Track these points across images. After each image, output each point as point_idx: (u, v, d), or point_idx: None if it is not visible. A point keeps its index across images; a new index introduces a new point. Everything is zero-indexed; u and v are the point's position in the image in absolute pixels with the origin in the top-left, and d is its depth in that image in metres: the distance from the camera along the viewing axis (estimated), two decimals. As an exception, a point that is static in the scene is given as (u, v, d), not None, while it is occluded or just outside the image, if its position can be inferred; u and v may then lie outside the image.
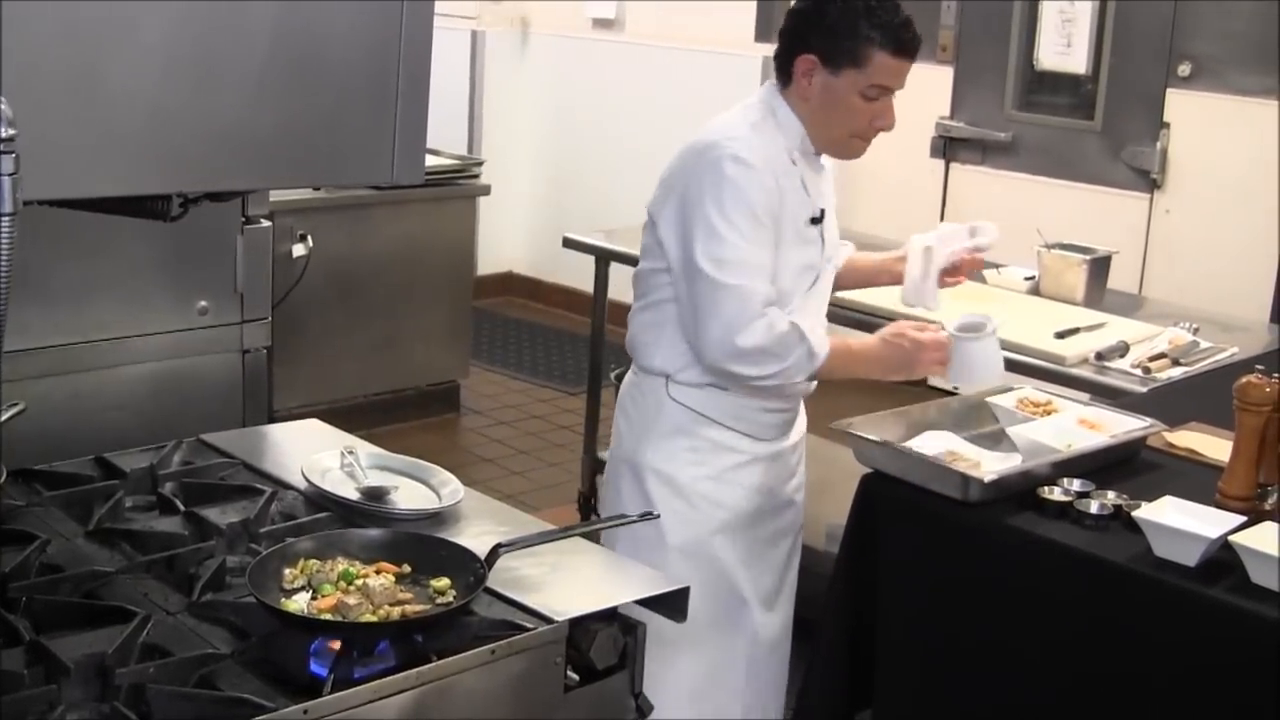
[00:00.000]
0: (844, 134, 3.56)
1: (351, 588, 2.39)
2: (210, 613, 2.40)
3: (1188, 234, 7.05)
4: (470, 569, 2.47)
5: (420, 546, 2.57)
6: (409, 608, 2.37)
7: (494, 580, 2.48)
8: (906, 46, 3.50)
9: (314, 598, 2.37)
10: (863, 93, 3.48)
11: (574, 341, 8.74)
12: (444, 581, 2.47)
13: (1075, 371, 4.47)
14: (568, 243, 6.23)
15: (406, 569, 2.50)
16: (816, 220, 3.59)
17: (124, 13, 2.14)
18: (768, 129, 3.53)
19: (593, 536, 2.83)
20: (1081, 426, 3.61)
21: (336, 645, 2.26)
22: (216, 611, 2.40)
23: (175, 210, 2.51)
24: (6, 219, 1.82)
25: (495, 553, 2.52)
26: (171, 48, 2.20)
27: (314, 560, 2.48)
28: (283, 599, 2.37)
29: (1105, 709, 3.05)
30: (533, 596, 2.48)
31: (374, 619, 2.32)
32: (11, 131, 1.82)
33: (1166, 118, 7.11)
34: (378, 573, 2.47)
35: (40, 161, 1.91)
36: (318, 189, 6.17)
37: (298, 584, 2.43)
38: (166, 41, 2.19)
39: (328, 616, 2.31)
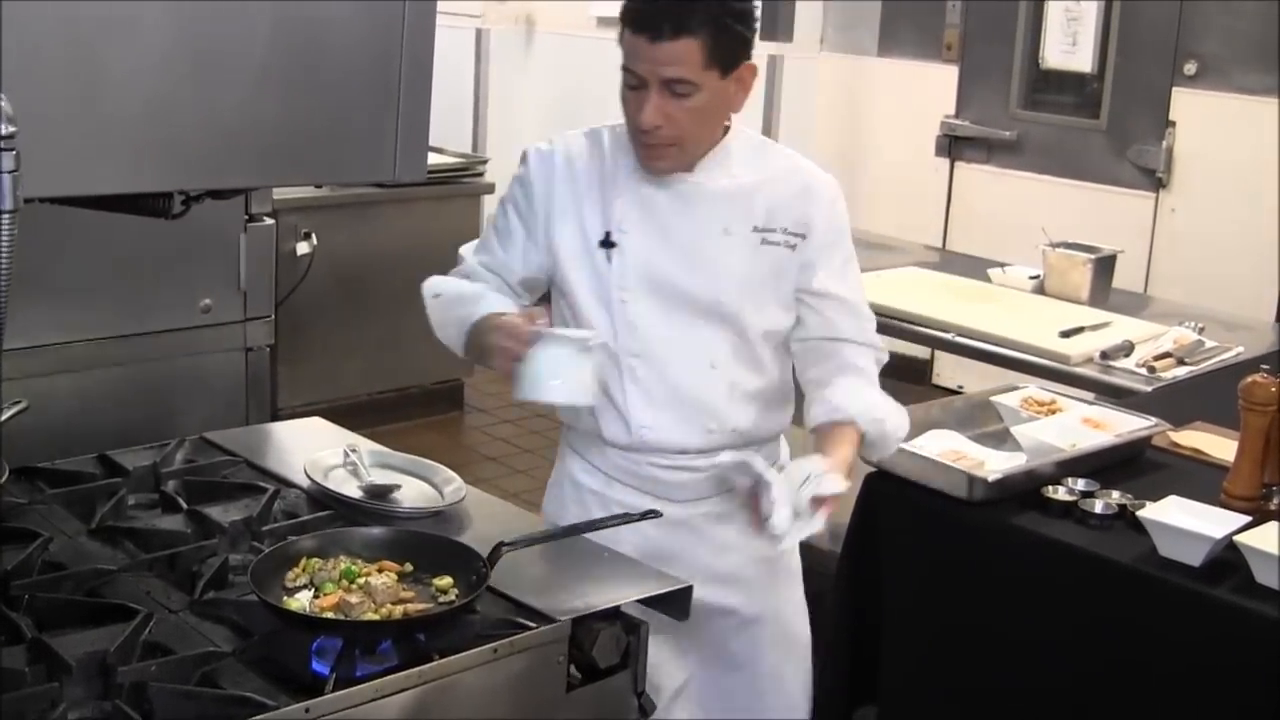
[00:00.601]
0: (633, 135, 2.99)
1: (354, 586, 2.39)
2: (212, 611, 2.40)
3: (1193, 233, 7.04)
4: (473, 568, 2.47)
5: (423, 545, 2.56)
6: (411, 606, 2.37)
7: (496, 579, 2.47)
8: (638, 18, 2.85)
9: (316, 596, 2.37)
10: (625, 80, 2.92)
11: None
12: (446, 580, 2.46)
13: (1080, 371, 4.46)
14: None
15: (409, 567, 2.50)
16: (604, 243, 3.02)
17: (125, 10, 2.14)
18: (608, 133, 3.12)
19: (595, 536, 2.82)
20: (1086, 426, 3.61)
21: (338, 644, 2.26)
22: (219, 610, 2.40)
23: (177, 208, 2.51)
24: (7, 216, 1.81)
25: (498, 551, 2.52)
26: (173, 45, 2.20)
27: (316, 559, 2.48)
28: (285, 597, 2.36)
29: (1109, 708, 3.05)
30: (535, 595, 2.47)
31: (376, 618, 2.32)
32: (12, 129, 1.82)
33: (1172, 116, 7.10)
34: (380, 571, 2.46)
35: (41, 159, 1.91)
36: (320, 187, 6.17)
37: (300, 582, 2.42)
38: (168, 39, 2.19)
39: (329, 615, 2.31)
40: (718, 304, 2.99)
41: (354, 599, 2.34)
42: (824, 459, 2.82)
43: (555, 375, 2.76)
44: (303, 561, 2.47)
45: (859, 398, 2.97)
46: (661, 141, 2.91)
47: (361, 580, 2.41)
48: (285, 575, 2.44)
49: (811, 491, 2.69)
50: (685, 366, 3.02)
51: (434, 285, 3.12)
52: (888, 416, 2.99)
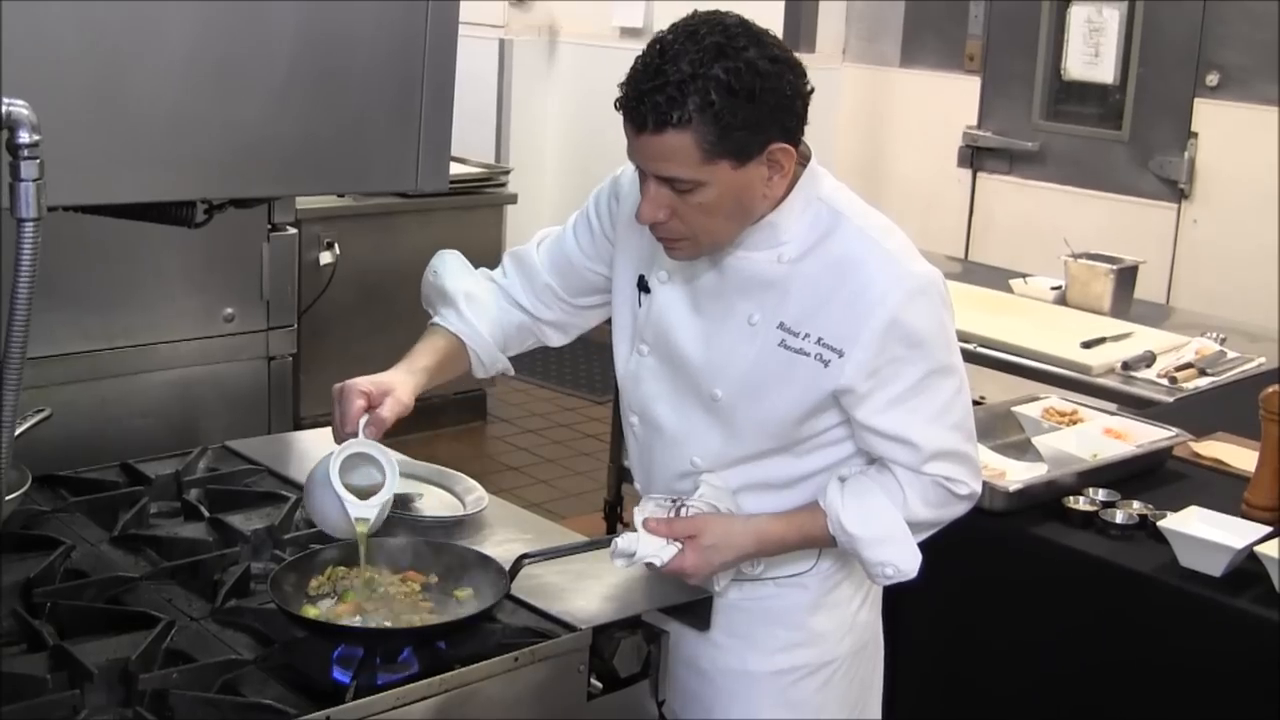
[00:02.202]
0: None
1: (375, 595, 2.39)
2: (234, 619, 2.41)
3: (1215, 244, 7.02)
4: (494, 579, 2.47)
5: (446, 556, 2.56)
6: (430, 616, 2.37)
7: (517, 588, 2.48)
8: (624, 105, 2.40)
9: (337, 605, 2.38)
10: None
11: (600, 350, 8.60)
12: (467, 591, 2.47)
13: (1101, 381, 4.46)
14: (594, 251, 6.23)
15: (433, 579, 2.50)
16: (641, 285, 2.73)
17: (148, 18, 2.14)
18: None
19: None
20: (1107, 436, 3.61)
21: (359, 652, 2.26)
22: (240, 618, 2.41)
23: (199, 217, 2.51)
24: (30, 224, 1.82)
25: (519, 564, 2.52)
26: (196, 54, 2.20)
27: (340, 567, 2.48)
28: (306, 605, 2.37)
29: (1129, 717, 3.04)
30: (556, 604, 2.48)
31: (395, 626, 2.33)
32: (36, 137, 1.82)
33: (1194, 127, 7.09)
34: (403, 581, 2.47)
35: (64, 167, 1.92)
36: (342, 196, 6.18)
37: (322, 591, 2.43)
38: (191, 48, 2.19)
39: (345, 621, 2.32)
40: (713, 397, 2.61)
41: (371, 607, 2.35)
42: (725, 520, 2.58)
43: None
44: (328, 570, 2.47)
45: (858, 504, 2.57)
46: (668, 236, 2.50)
47: (382, 590, 2.41)
48: (309, 583, 2.44)
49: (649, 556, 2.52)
50: (666, 449, 2.72)
51: (436, 262, 2.88)
52: (875, 543, 2.56)
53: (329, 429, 2.57)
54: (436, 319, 2.81)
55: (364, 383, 2.58)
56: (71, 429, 2.97)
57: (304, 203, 4.36)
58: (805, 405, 2.55)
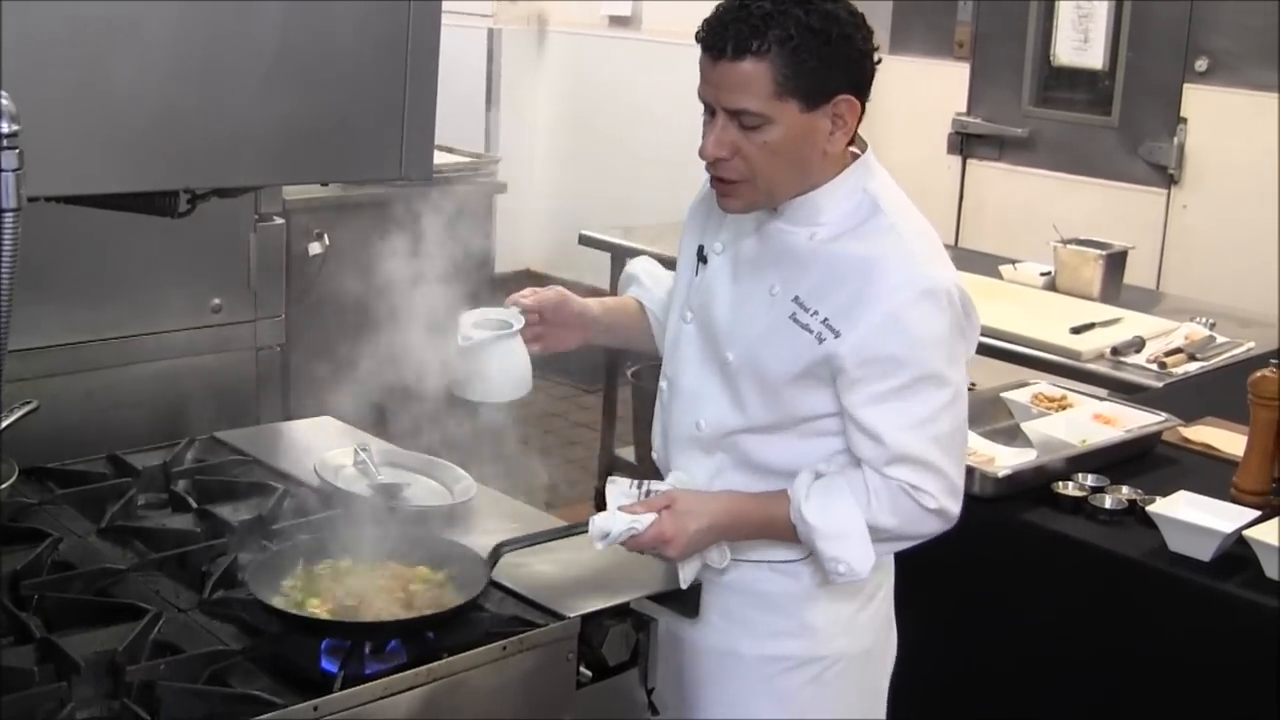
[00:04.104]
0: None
1: (355, 586, 2.40)
2: (222, 610, 2.41)
3: (1205, 229, 7.02)
4: (474, 568, 2.47)
5: (428, 546, 2.57)
6: (412, 606, 2.39)
7: (506, 577, 2.49)
8: (704, 33, 2.50)
9: (317, 598, 2.38)
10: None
11: (591, 340, 8.67)
12: (442, 577, 2.49)
13: (1091, 366, 4.46)
14: (584, 240, 6.25)
15: (419, 569, 2.50)
16: (700, 256, 2.78)
17: (130, 8, 2.13)
18: None
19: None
20: (1096, 421, 3.61)
21: (348, 642, 2.26)
22: (228, 609, 2.41)
23: (183, 206, 2.50)
24: (9, 215, 1.81)
25: (497, 553, 2.52)
26: (178, 43, 2.20)
27: (319, 559, 2.49)
28: (277, 597, 2.37)
29: (1119, 701, 3.05)
30: (544, 593, 2.48)
31: (371, 618, 2.33)
32: (15, 127, 1.82)
33: (1184, 113, 7.08)
34: (389, 572, 2.48)
35: (45, 157, 1.91)
36: (326, 185, 6.17)
37: (297, 583, 2.43)
38: (173, 37, 2.19)
39: (325, 616, 2.32)
40: (725, 360, 2.65)
41: (351, 601, 2.36)
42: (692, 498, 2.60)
43: (475, 373, 2.75)
44: (300, 562, 2.48)
45: (823, 498, 2.57)
46: (727, 176, 2.53)
47: (363, 580, 2.42)
48: (285, 576, 2.45)
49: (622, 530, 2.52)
50: (680, 411, 2.76)
51: (630, 264, 3.09)
52: (830, 538, 2.55)
53: (318, 419, 2.59)
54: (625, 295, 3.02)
55: (554, 289, 2.86)
56: (59, 421, 2.96)
57: (294, 193, 4.36)
58: (795, 370, 2.57)
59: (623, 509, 2.56)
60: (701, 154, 2.53)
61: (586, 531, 2.53)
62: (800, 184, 2.56)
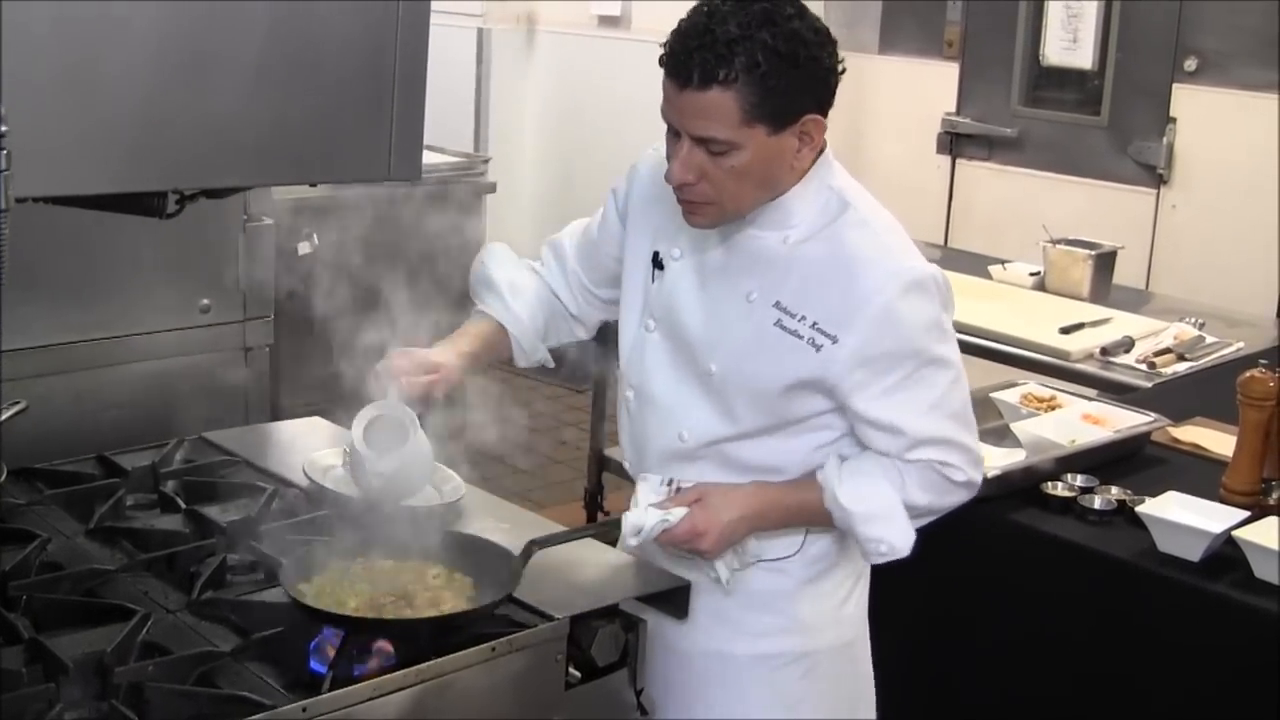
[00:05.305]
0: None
1: (391, 585, 2.42)
2: (210, 611, 2.40)
3: (1194, 229, 7.02)
4: (500, 567, 2.48)
5: (451, 543, 2.59)
6: (447, 607, 2.39)
7: (494, 577, 2.49)
8: (668, 60, 2.44)
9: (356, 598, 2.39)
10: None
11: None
12: (467, 580, 2.50)
13: (1080, 367, 4.47)
14: (573, 239, 6.23)
15: (453, 572, 2.52)
16: (655, 261, 2.76)
17: (118, 9, 2.13)
18: None
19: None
20: (1085, 422, 3.61)
21: (336, 642, 2.26)
22: (216, 609, 2.40)
23: (171, 207, 2.50)
24: (-2, 216, 1.82)
25: (530, 550, 2.51)
26: (166, 44, 2.20)
27: (358, 558, 2.51)
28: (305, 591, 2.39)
29: (1109, 703, 3.05)
30: (533, 593, 2.47)
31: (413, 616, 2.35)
32: (3, 128, 1.81)
33: (1173, 113, 7.09)
34: (433, 574, 2.51)
35: (33, 158, 1.91)
36: (314, 186, 6.17)
37: (328, 581, 2.44)
38: (161, 37, 2.18)
39: (364, 615, 2.33)
40: (708, 371, 2.63)
41: (387, 600, 2.36)
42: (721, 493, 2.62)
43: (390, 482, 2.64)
44: (333, 563, 2.49)
45: (855, 481, 2.60)
46: (694, 199, 2.52)
47: (401, 583, 2.44)
48: (316, 572, 2.46)
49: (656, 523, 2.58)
50: (657, 422, 2.74)
51: (483, 253, 3.00)
52: (869, 520, 2.59)
53: (306, 420, 2.58)
54: (481, 306, 2.89)
55: (416, 355, 2.71)
56: (47, 421, 2.95)
57: (284, 193, 4.34)
58: (790, 381, 2.57)
59: (653, 505, 2.58)
60: (667, 179, 2.52)
61: (616, 529, 2.57)
62: (768, 198, 2.57)
